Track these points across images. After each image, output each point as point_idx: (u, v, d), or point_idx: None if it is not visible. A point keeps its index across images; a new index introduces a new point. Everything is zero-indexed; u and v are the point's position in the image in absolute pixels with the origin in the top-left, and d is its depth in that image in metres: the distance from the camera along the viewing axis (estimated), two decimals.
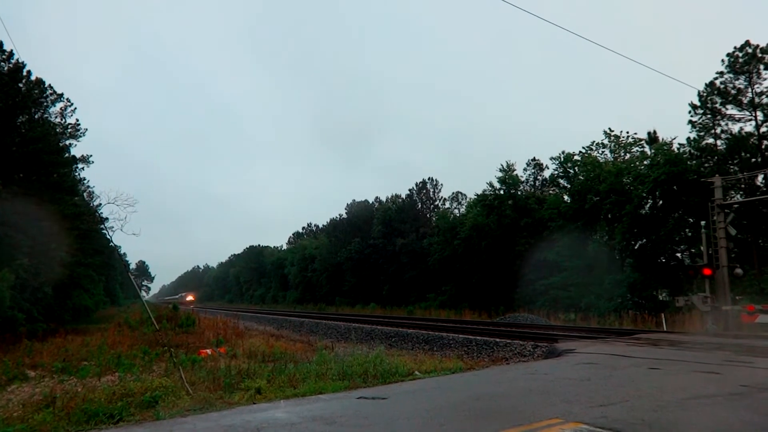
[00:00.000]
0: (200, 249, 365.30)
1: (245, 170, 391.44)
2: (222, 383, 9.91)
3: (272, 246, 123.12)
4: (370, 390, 9.04)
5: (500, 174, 48.35)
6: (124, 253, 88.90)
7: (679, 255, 35.91)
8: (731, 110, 32.84)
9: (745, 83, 32.23)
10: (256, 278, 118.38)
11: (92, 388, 9.85)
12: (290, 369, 11.41)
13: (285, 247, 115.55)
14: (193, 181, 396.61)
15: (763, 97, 31.56)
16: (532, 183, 51.38)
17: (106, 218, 27.36)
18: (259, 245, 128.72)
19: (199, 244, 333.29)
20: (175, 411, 7.74)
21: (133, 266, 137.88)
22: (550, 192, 47.39)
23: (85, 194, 41.15)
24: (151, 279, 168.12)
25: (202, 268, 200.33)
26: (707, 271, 21.27)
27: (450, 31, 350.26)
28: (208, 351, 16.46)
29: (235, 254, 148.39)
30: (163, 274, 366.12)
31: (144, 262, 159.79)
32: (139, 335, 23.58)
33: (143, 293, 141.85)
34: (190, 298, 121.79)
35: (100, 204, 35.15)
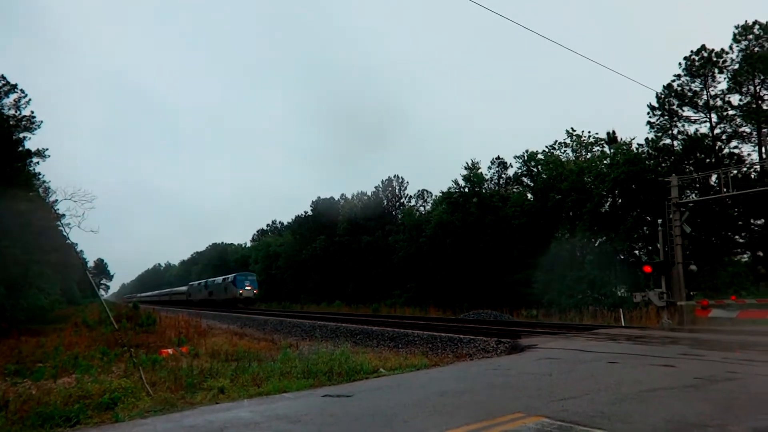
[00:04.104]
0: (161, 247, 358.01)
1: (208, 167, 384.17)
2: (184, 383, 9.74)
3: (236, 243, 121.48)
4: (335, 388, 9.02)
5: (465, 172, 48.88)
6: (82, 251, 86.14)
7: (637, 252, 36.93)
8: (687, 112, 34.03)
9: (701, 86, 33.39)
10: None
11: (47, 391, 9.55)
12: (254, 368, 11.29)
13: (249, 244, 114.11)
14: (154, 178, 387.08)
15: (718, 99, 32.77)
16: (496, 181, 52.07)
17: (63, 215, 26.59)
18: (222, 242, 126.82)
19: (160, 241, 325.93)
20: (135, 412, 7.57)
21: (91, 264, 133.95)
22: (514, 190, 48.10)
23: (40, 190, 39.81)
24: (110, 277, 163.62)
25: (164, 266, 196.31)
26: (663, 268, 21.90)
27: (410, 26, 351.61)
28: (170, 350, 16.14)
29: (197, 252, 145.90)
30: (123, 273, 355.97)
31: (103, 260, 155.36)
32: (97, 335, 22.94)
33: (102, 292, 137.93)
34: (248, 287, 58.86)
35: (57, 200, 34.15)
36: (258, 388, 9.22)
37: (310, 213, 78.44)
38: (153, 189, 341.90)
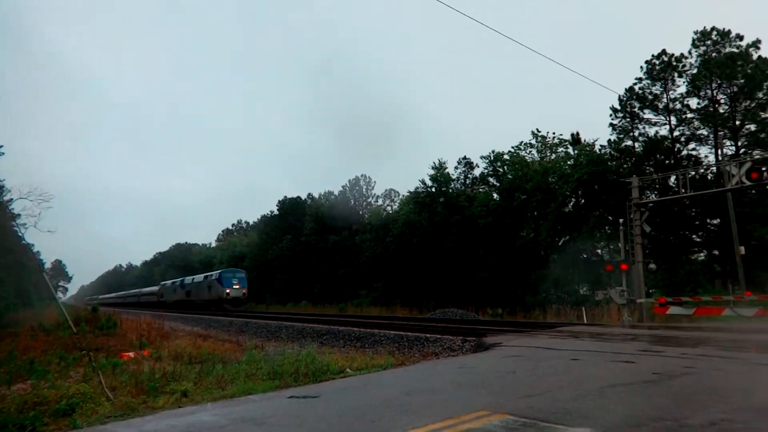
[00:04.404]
0: (123, 247, 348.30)
1: (173, 167, 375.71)
2: (146, 387, 9.51)
3: (200, 243, 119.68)
4: (301, 389, 8.95)
5: (432, 172, 49.19)
6: (38, 252, 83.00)
7: (599, 251, 37.77)
8: (648, 114, 34.98)
9: (661, 89, 34.36)
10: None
11: (1, 398, 9.20)
12: (218, 370, 11.10)
13: (214, 244, 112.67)
14: (116, 177, 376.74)
15: (677, 102, 33.76)
16: (462, 181, 52.47)
17: (18, 214, 25.68)
18: (186, 243, 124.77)
19: (121, 242, 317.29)
20: (94, 418, 7.36)
21: (48, 265, 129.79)
22: (480, 190, 48.55)
23: None
24: (68, 279, 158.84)
25: (125, 267, 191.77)
26: (624, 266, 22.48)
27: (379, 24, 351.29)
28: (131, 354, 15.76)
29: (160, 252, 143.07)
30: (83, 274, 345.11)
31: (61, 261, 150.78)
32: (54, 339, 22.20)
33: (59, 294, 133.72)
34: (237, 286, 51.43)
35: (12, 199, 32.99)
36: (222, 391, 9.07)
37: (276, 212, 77.79)
38: (114, 188, 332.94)
